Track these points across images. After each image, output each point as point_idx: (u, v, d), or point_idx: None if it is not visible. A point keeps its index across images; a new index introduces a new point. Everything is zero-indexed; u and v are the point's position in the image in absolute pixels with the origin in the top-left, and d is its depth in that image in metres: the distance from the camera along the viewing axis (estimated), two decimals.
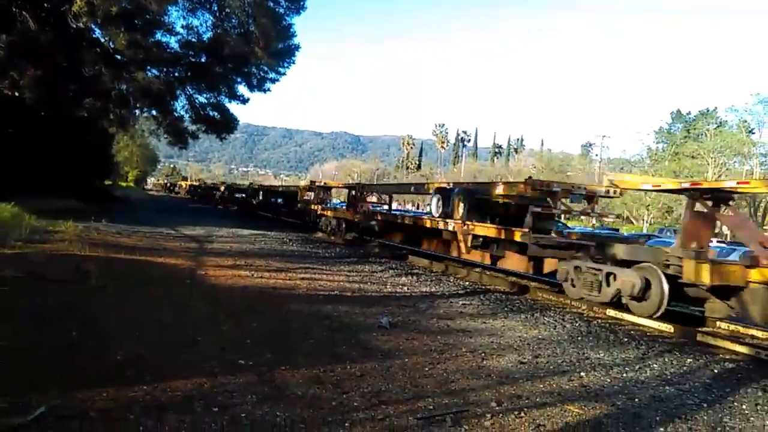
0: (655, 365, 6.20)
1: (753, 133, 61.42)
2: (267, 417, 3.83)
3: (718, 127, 63.84)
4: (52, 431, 3.37)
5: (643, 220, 61.27)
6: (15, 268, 8.23)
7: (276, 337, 6.05)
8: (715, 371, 6.21)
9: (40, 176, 23.43)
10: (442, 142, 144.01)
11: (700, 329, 8.29)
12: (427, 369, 5.30)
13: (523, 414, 4.32)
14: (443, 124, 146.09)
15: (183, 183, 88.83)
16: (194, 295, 8.14)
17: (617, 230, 36.92)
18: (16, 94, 21.37)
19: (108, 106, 27.18)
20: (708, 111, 68.98)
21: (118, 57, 24.10)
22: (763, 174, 58.24)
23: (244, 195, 40.54)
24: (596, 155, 75.36)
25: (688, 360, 6.56)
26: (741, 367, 6.51)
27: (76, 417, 3.54)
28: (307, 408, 4.05)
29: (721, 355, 7.00)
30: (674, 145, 67.86)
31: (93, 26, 21.86)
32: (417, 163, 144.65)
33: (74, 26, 18.84)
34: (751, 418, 4.74)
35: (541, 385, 5.10)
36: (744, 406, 5.00)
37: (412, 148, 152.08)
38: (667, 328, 8.29)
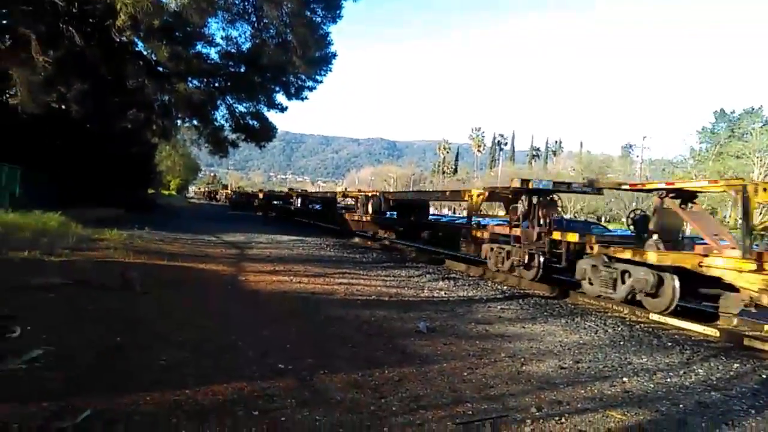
0: (700, 370, 6.05)
1: None
2: (306, 421, 3.87)
3: (764, 125, 61.87)
4: None
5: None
6: (62, 275, 8.51)
7: (315, 341, 6.10)
8: (764, 376, 6.01)
9: (85, 186, 24.19)
10: (479, 146, 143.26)
11: (746, 333, 8.05)
12: (465, 374, 5.28)
13: (564, 420, 4.26)
14: (480, 128, 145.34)
15: (223, 191, 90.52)
16: (235, 300, 8.27)
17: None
18: (63, 107, 22.10)
19: (151, 117, 27.87)
20: (753, 109, 66.93)
21: (161, 69, 24.69)
22: None
23: (281, 202, 41.50)
24: (637, 156, 73.79)
25: (735, 365, 6.38)
26: None
27: (121, 420, 3.64)
28: (346, 412, 4.08)
29: None
30: (718, 144, 66.08)
31: (136, 39, 22.48)
32: (453, 167, 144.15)
33: (118, 40, 19.39)
34: None
35: (583, 391, 5.03)
36: None
37: (448, 152, 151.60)
38: (712, 332, 8.07)
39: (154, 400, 4.03)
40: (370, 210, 21.00)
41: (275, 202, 43.21)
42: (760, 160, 57.44)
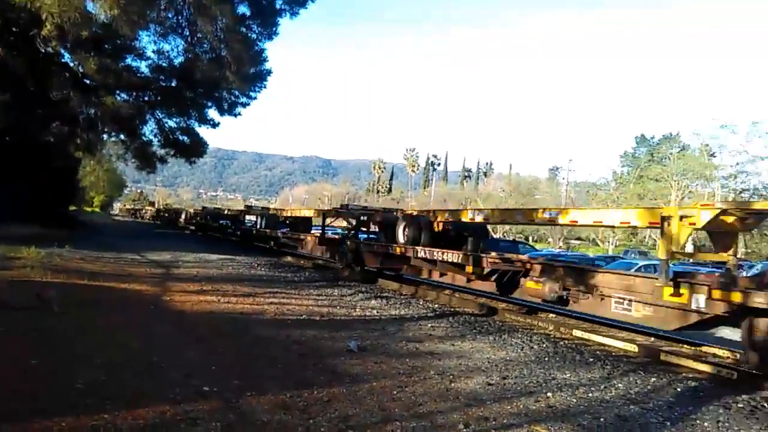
0: (620, 385, 6.29)
1: (714, 157, 63.22)
2: None
3: (681, 150, 65.50)
4: None
5: (608, 242, 62.30)
6: None
7: (243, 362, 5.98)
8: (678, 389, 6.32)
9: (1, 202, 22.91)
10: (413, 166, 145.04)
11: (663, 348, 8.44)
12: (395, 392, 5.29)
13: None
14: (414, 148, 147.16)
15: (149, 208, 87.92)
16: (159, 321, 8.00)
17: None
18: None
19: (75, 131, 26.77)
20: (671, 135, 70.89)
21: (87, 81, 23.82)
22: (724, 196, 59.84)
23: (228, 222, 36.44)
24: (563, 179, 76.53)
25: (652, 379, 6.67)
26: (703, 385, 6.65)
27: None
28: None
29: (684, 374, 7.14)
30: (639, 168, 69.41)
31: (62, 50, 21.64)
32: (388, 186, 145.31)
33: (43, 50, 18.63)
34: None
35: (509, 407, 5.14)
36: (706, 424, 5.10)
37: (383, 171, 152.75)
38: (632, 347, 8.44)
39: (70, 425, 3.84)
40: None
41: (222, 222, 36.59)
42: (678, 183, 60.67)
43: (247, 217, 32.17)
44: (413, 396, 5.23)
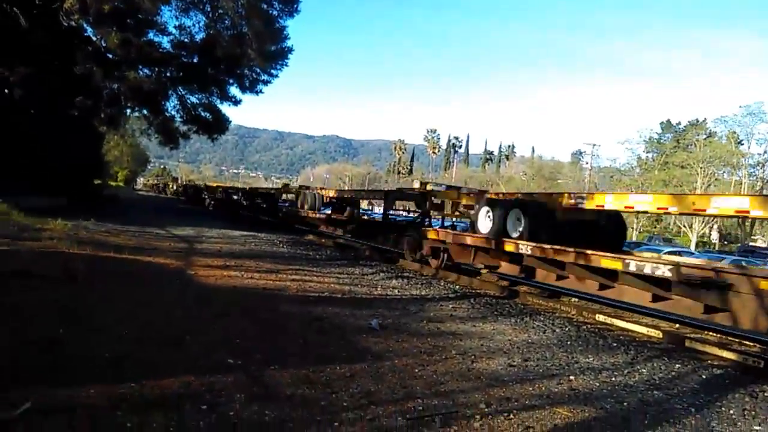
0: (643, 370, 6.22)
1: (742, 144, 62.06)
2: (255, 416, 3.80)
3: (707, 137, 64.38)
4: (38, 427, 3.34)
5: (632, 228, 61.67)
6: (1, 264, 8.15)
7: (265, 337, 6.01)
8: (703, 377, 6.24)
9: (29, 174, 23.23)
10: (434, 148, 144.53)
11: (688, 335, 8.33)
12: (416, 371, 5.29)
13: (512, 416, 4.32)
14: (435, 130, 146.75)
15: (172, 184, 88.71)
16: (183, 294, 8.07)
17: None
18: (6, 91, 21.20)
19: (99, 105, 27.02)
20: (698, 121, 69.61)
21: (110, 56, 23.99)
22: (751, 185, 58.82)
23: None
24: (586, 163, 75.65)
25: (677, 365, 6.59)
26: (728, 373, 6.55)
27: (62, 413, 3.51)
28: (296, 408, 4.03)
29: (709, 361, 7.03)
30: (664, 154, 68.38)
31: (85, 24, 21.76)
32: (408, 167, 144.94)
33: (66, 24, 18.74)
34: (738, 423, 4.77)
35: (531, 388, 5.11)
36: (732, 411, 5.03)
37: (403, 152, 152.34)
38: (656, 333, 8.33)
39: (98, 393, 3.88)
40: None
41: (258, 201, 31.91)
42: (703, 171, 59.72)
43: (285, 196, 28.58)
44: (434, 375, 5.22)
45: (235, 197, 36.66)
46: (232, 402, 3.98)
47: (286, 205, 27.86)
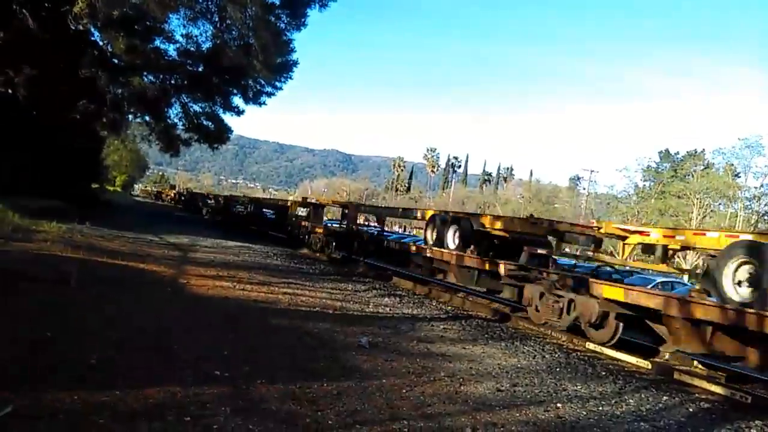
0: (631, 400, 6.21)
1: (738, 177, 62.31)
2: (239, 430, 3.78)
3: (705, 168, 64.57)
4: (18, 431, 3.32)
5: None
6: None
7: (255, 350, 5.99)
8: (690, 410, 6.23)
9: (27, 175, 23.24)
10: (433, 167, 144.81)
11: (677, 367, 8.32)
12: (404, 391, 5.27)
13: None
14: (435, 149, 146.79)
15: (170, 192, 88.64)
16: (174, 303, 8.05)
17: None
18: (10, 91, 21.24)
19: (101, 110, 27.05)
20: (696, 152, 69.90)
21: (116, 61, 24.09)
22: (746, 218, 58.99)
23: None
24: (584, 189, 75.87)
25: (664, 397, 6.57)
26: (716, 407, 6.55)
27: (44, 418, 3.48)
28: (281, 423, 4.01)
29: (696, 395, 7.03)
30: (661, 183, 68.60)
31: (93, 29, 21.87)
32: (407, 185, 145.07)
33: (74, 28, 18.81)
34: None
35: (518, 414, 5.09)
36: None
37: (402, 170, 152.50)
38: (644, 364, 8.32)
39: (81, 399, 3.87)
40: None
41: (266, 213, 30.49)
42: (700, 202, 59.89)
43: (300, 210, 25.51)
44: (422, 396, 5.20)
45: (240, 208, 34.42)
46: (216, 415, 3.96)
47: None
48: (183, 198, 65.79)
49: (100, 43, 23.76)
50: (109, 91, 25.53)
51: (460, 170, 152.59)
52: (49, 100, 22.39)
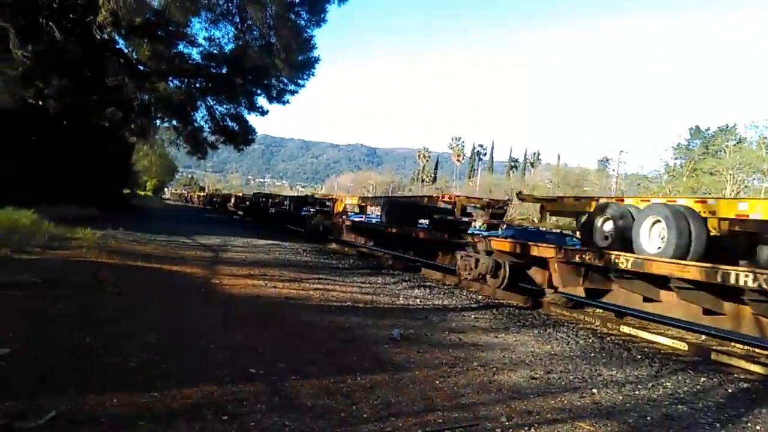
0: (668, 383, 6.13)
1: None
2: (276, 426, 3.85)
3: (737, 143, 63.07)
4: None
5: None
6: (32, 273, 8.36)
7: (288, 346, 6.07)
8: (729, 390, 6.12)
9: (60, 184, 23.81)
10: (458, 156, 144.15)
11: (714, 347, 8.19)
12: (437, 382, 5.29)
13: (533, 430, 4.29)
14: (459, 138, 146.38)
15: (199, 193, 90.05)
16: (208, 303, 8.20)
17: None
18: (40, 103, 21.78)
19: (129, 116, 27.63)
20: (727, 127, 68.24)
21: (141, 67, 24.53)
22: None
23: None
24: (613, 170, 74.77)
25: (702, 379, 6.48)
26: (756, 386, 6.41)
27: (87, 422, 3.59)
28: (317, 418, 4.06)
29: (735, 375, 6.90)
30: (692, 161, 67.22)
31: (117, 37, 22.29)
32: (433, 176, 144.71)
33: (99, 37, 19.21)
34: None
35: (553, 402, 5.07)
36: (758, 427, 4.93)
37: (427, 160, 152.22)
38: (681, 345, 8.21)
39: (122, 401, 3.98)
40: None
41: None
42: (733, 177, 58.55)
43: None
44: (456, 387, 5.22)
45: (272, 209, 32.59)
46: (253, 412, 4.03)
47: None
48: (214, 200, 66.52)
49: (125, 51, 24.20)
50: (136, 98, 26.04)
51: (486, 158, 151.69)
52: (79, 109, 22.89)
